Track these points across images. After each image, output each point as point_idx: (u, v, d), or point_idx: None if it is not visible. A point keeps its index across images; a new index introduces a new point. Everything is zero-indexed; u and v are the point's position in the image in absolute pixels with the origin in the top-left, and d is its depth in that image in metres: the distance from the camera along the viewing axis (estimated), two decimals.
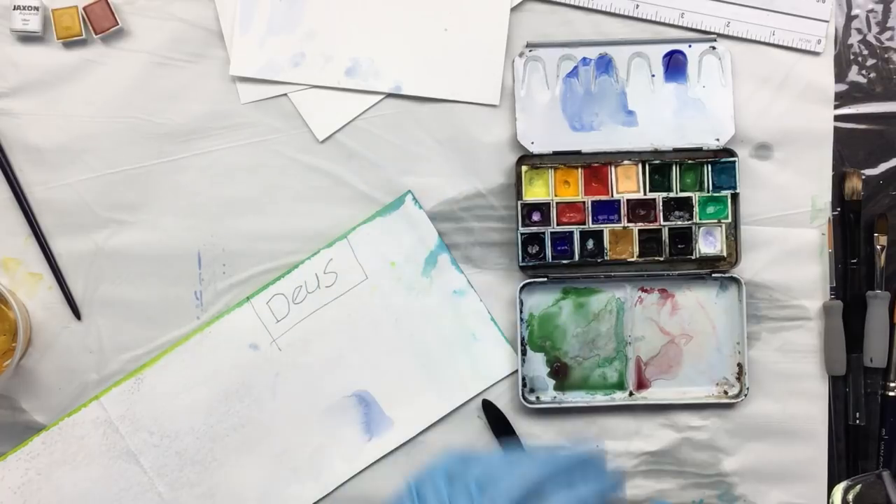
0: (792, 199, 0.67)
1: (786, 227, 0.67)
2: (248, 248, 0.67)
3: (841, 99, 0.68)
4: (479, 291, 0.67)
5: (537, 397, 0.67)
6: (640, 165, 0.67)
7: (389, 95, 0.67)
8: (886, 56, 0.68)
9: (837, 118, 0.68)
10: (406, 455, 0.67)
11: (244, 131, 0.67)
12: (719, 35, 0.67)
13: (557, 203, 0.67)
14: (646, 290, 0.67)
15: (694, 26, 0.67)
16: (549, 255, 0.66)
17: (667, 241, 0.66)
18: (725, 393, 0.67)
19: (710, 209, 0.67)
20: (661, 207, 0.66)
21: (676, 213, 0.67)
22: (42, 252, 0.66)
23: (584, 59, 0.67)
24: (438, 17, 0.67)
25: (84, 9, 0.66)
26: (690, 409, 0.67)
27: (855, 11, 0.68)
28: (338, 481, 0.67)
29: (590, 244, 0.67)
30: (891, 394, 0.67)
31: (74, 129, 0.67)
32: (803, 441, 0.67)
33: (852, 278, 0.68)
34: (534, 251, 0.67)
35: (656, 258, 0.67)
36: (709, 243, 0.67)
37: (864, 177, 0.68)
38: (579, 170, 0.67)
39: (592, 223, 0.67)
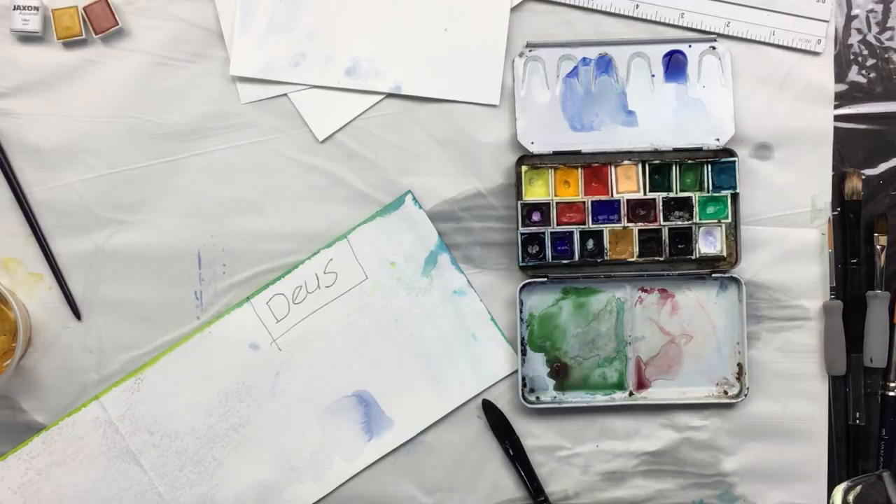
0: (792, 199, 0.67)
1: (786, 227, 0.67)
2: (248, 248, 0.67)
3: (841, 99, 0.68)
4: (479, 291, 0.67)
5: (537, 397, 0.67)
6: (640, 165, 0.67)
7: (389, 95, 0.67)
8: (886, 56, 0.68)
9: (837, 118, 0.68)
10: (406, 455, 0.67)
11: (244, 131, 0.67)
12: (719, 35, 0.67)
13: (557, 203, 0.67)
14: (646, 290, 0.67)
15: (694, 26, 0.67)
16: (549, 255, 0.66)
17: (667, 241, 0.66)
18: (725, 393, 0.67)
19: (710, 209, 0.67)
20: (661, 207, 0.66)
21: (676, 213, 0.67)
22: (42, 252, 0.66)
23: (584, 59, 0.67)
24: (438, 17, 0.67)
25: (84, 9, 0.66)
26: (690, 409, 0.67)
27: (855, 11, 0.68)
28: (338, 481, 0.67)
29: (590, 244, 0.67)
30: (891, 394, 0.67)
31: (74, 129, 0.67)
32: (803, 441, 0.67)
33: (852, 278, 0.68)
34: (534, 251, 0.67)
35: (656, 258, 0.67)
36: (709, 243, 0.67)
37: (864, 177, 0.68)
38: (579, 170, 0.67)
39: (592, 223, 0.67)
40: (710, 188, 0.67)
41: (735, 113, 0.67)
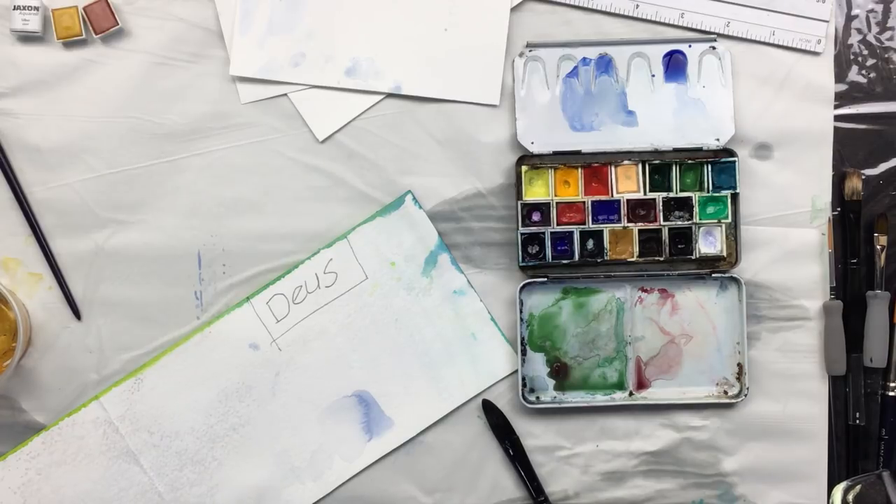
0: (792, 199, 0.67)
1: (786, 227, 0.67)
2: (248, 248, 0.67)
3: (841, 99, 0.68)
4: (479, 291, 0.67)
5: (537, 397, 0.67)
6: (640, 165, 0.67)
7: (389, 95, 0.67)
8: (886, 56, 0.68)
9: (837, 118, 0.68)
10: (406, 455, 0.67)
11: (244, 131, 0.67)
12: (719, 35, 0.67)
13: (557, 203, 0.67)
14: (646, 290, 0.67)
15: (694, 26, 0.67)
16: (549, 255, 0.66)
17: (667, 241, 0.66)
18: (725, 393, 0.67)
19: (710, 209, 0.67)
20: (661, 207, 0.66)
21: (676, 213, 0.67)
22: (42, 252, 0.66)
23: (584, 59, 0.67)
24: (438, 17, 0.67)
25: (84, 9, 0.66)
26: (690, 409, 0.67)
27: (855, 11, 0.68)
28: (338, 481, 0.67)
29: (590, 244, 0.67)
30: (891, 394, 0.67)
31: (74, 129, 0.67)
32: (803, 441, 0.67)
33: (852, 278, 0.68)
34: (534, 251, 0.67)
35: (656, 258, 0.67)
36: (709, 243, 0.67)
37: (864, 177, 0.68)
38: (579, 170, 0.67)
39: (592, 223, 0.67)
40: (710, 188, 0.67)
41: (735, 113, 0.67)
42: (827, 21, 0.67)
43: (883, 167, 0.68)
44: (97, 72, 0.67)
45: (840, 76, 0.68)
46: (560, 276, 0.67)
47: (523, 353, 0.67)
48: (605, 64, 0.67)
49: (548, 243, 0.66)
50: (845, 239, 0.68)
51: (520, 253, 0.66)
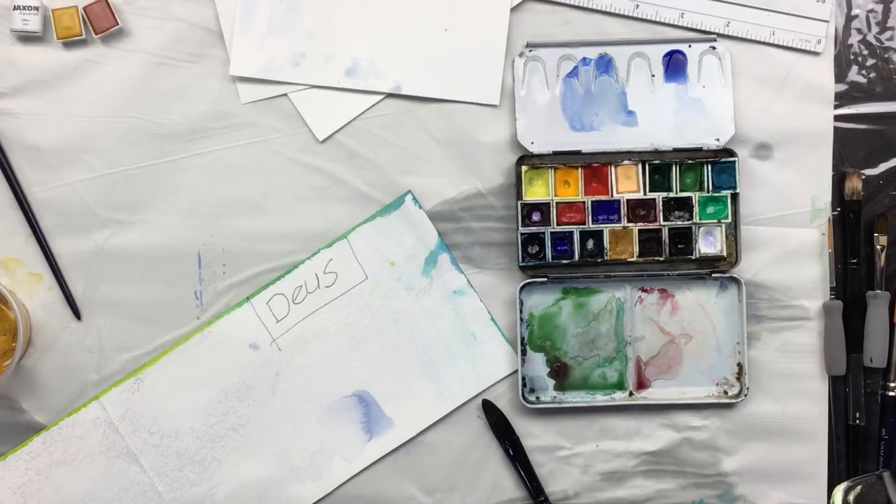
0: (792, 199, 0.67)
1: (786, 227, 0.67)
2: (248, 248, 0.67)
3: (841, 99, 0.68)
4: (479, 291, 0.67)
5: (537, 397, 0.67)
6: (640, 165, 0.67)
7: (389, 95, 0.67)
8: (886, 56, 0.68)
9: (837, 118, 0.68)
10: (406, 455, 0.67)
11: (244, 131, 0.67)
12: (719, 35, 0.67)
13: (557, 203, 0.67)
14: (646, 290, 0.67)
15: (694, 26, 0.67)
16: (549, 255, 0.66)
17: (667, 241, 0.66)
18: (725, 393, 0.67)
19: (710, 209, 0.67)
20: (661, 207, 0.66)
21: (676, 213, 0.67)
22: (42, 252, 0.66)
23: (584, 59, 0.67)
24: (438, 17, 0.67)
25: (84, 9, 0.66)
26: (690, 409, 0.67)
27: (855, 11, 0.68)
28: (338, 481, 0.67)
29: (590, 244, 0.67)
30: (891, 394, 0.67)
31: (74, 129, 0.67)
32: (803, 441, 0.67)
33: (852, 278, 0.68)
34: (534, 251, 0.67)
35: (656, 258, 0.67)
36: (709, 243, 0.67)
37: (864, 177, 0.68)
38: (579, 170, 0.67)
39: (592, 223, 0.67)
40: (710, 188, 0.67)
41: (735, 113, 0.67)
42: (827, 21, 0.67)
43: (883, 167, 0.68)
44: (97, 72, 0.67)
45: (840, 76, 0.68)
46: (560, 276, 0.67)
47: (523, 353, 0.67)
48: (605, 64, 0.67)
49: (548, 243, 0.66)
50: (845, 239, 0.68)
51: (520, 253, 0.66)
